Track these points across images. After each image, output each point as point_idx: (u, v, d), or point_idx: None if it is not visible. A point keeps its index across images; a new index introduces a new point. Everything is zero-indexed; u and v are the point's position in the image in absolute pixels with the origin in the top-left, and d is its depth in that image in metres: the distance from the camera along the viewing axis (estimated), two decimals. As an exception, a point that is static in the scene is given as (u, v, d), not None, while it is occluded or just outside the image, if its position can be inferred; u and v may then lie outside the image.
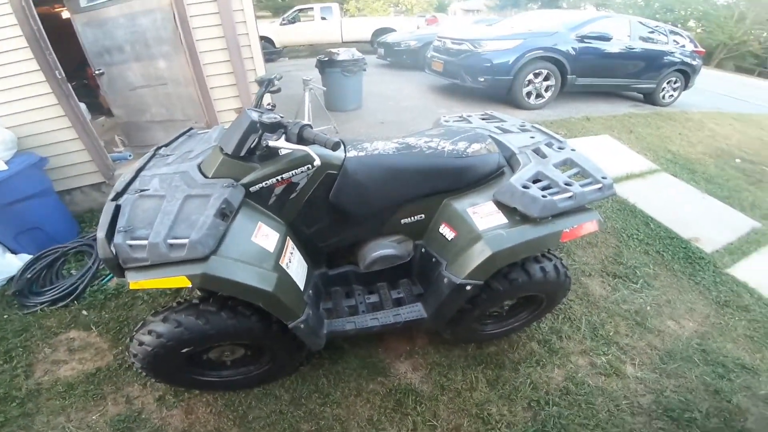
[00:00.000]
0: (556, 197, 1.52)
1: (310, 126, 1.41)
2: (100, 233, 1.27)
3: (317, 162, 1.42)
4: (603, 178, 1.65)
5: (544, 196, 1.50)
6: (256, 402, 1.85)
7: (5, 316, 2.30)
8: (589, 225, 1.60)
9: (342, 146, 1.67)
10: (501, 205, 1.62)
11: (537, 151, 1.82)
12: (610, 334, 2.31)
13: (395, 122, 5.22)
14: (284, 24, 11.50)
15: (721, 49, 19.20)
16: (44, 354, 2.09)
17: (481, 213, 1.62)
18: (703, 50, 7.25)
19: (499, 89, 5.63)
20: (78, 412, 1.82)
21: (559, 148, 1.87)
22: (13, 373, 1.98)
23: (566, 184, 1.58)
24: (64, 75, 2.92)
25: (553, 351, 2.17)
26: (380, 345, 2.14)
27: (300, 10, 11.86)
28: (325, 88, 5.02)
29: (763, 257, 3.15)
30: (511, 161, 1.82)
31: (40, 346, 2.13)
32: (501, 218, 1.59)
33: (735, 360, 2.22)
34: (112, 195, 1.41)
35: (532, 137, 1.98)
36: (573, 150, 1.86)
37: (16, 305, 2.37)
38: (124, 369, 1.99)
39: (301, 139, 1.40)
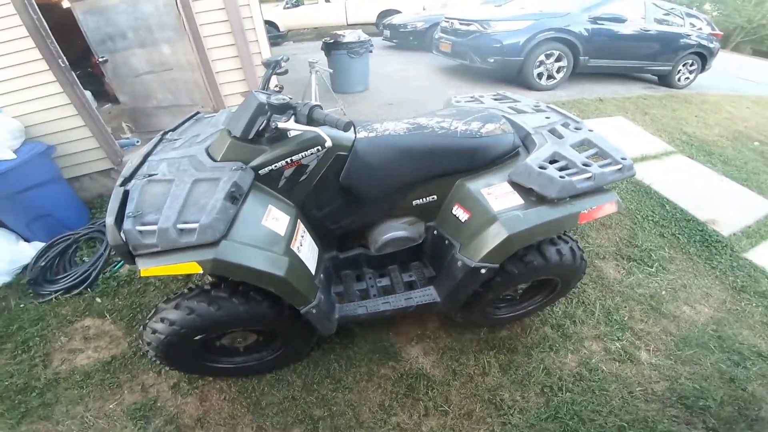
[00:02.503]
0: (574, 178, 1.47)
1: (320, 107, 1.37)
2: (109, 219, 1.26)
3: (328, 143, 1.38)
4: (623, 158, 1.59)
5: (561, 177, 1.45)
6: (269, 388, 1.86)
7: (21, 305, 2.33)
8: (608, 206, 1.56)
9: (352, 127, 1.63)
10: (517, 186, 1.57)
11: (553, 132, 1.77)
12: (625, 318, 2.27)
13: (403, 103, 5.15)
14: (288, 7, 11.28)
15: (739, 32, 18.61)
16: (61, 343, 2.11)
17: (496, 194, 1.58)
18: (721, 33, 7.02)
19: (509, 70, 5.54)
20: (96, 401, 1.84)
21: (576, 129, 1.81)
22: (31, 362, 2.01)
23: (584, 165, 1.52)
24: (67, 63, 2.89)
25: (566, 336, 2.14)
26: (391, 329, 2.13)
27: (304, -6, 11.63)
28: (331, 71, 4.95)
29: (782, 241, 3.05)
30: (526, 142, 1.77)
31: (57, 334, 2.15)
32: (517, 199, 1.54)
33: (751, 347, 2.18)
34: (120, 180, 1.39)
35: (548, 117, 1.92)
36: (590, 131, 1.79)
37: (31, 294, 2.39)
38: (138, 357, 2.00)
39: (311, 120, 1.36)
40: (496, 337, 2.11)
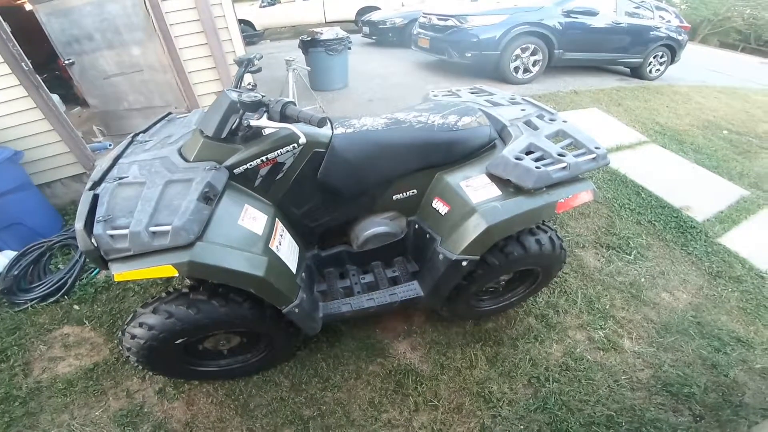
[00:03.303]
0: (550, 168, 1.49)
1: (293, 103, 1.35)
2: (78, 224, 1.21)
3: (302, 140, 1.36)
4: (596, 148, 1.62)
5: (537, 167, 1.47)
6: (257, 390, 1.84)
7: (-5, 315, 2.24)
8: (584, 195, 1.58)
9: (329, 123, 1.61)
10: (494, 178, 1.59)
11: (528, 123, 1.79)
12: (607, 307, 2.31)
13: (383, 99, 5.15)
14: (264, 6, 11.13)
15: (706, 24, 19.15)
16: (40, 351, 2.06)
17: (475, 186, 1.59)
18: (689, 25, 7.23)
19: (487, 64, 5.58)
20: (81, 408, 1.80)
21: (551, 120, 1.83)
22: (11, 372, 1.95)
23: (559, 155, 1.55)
24: (31, 66, 2.79)
25: (550, 326, 2.17)
26: (377, 325, 2.13)
27: (280, -8, 11.47)
28: (309, 68, 4.90)
29: (753, 225, 3.17)
30: (502, 134, 1.78)
31: (35, 343, 2.09)
32: (495, 190, 1.56)
33: (730, 333, 2.23)
34: (89, 184, 1.34)
35: (523, 110, 1.94)
36: (565, 121, 1.82)
37: (6, 303, 2.31)
38: (121, 363, 1.96)
39: (285, 117, 1.33)
40: (482, 329, 2.13)
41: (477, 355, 2.00)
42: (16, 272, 2.41)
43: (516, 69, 5.62)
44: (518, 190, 1.52)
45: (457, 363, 1.97)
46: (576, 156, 1.57)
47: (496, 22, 5.38)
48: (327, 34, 5.13)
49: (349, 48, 5.40)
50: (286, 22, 11.61)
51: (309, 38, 5.18)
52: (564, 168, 1.51)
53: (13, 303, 2.29)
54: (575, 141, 1.69)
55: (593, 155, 1.59)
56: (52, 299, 2.31)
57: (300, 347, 1.93)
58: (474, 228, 1.49)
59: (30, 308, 2.26)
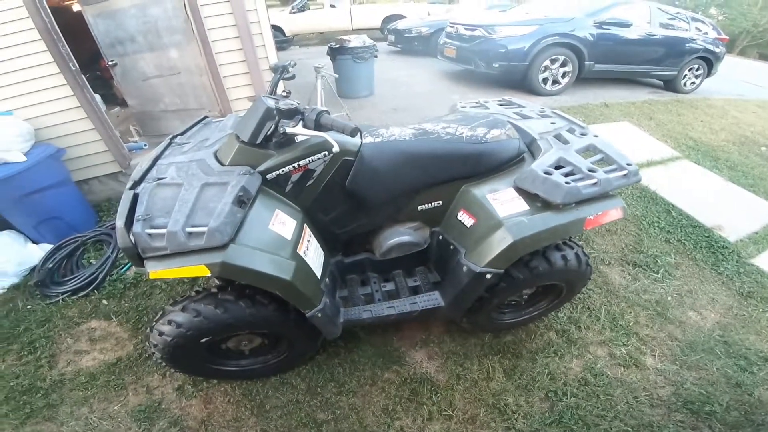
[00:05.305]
0: (579, 183, 1.47)
1: (327, 112, 1.38)
2: (119, 222, 1.27)
3: (336, 148, 1.39)
4: (628, 164, 1.59)
5: (567, 183, 1.46)
6: (273, 391, 1.87)
7: (28, 307, 2.35)
8: (613, 212, 1.56)
9: (359, 132, 1.64)
10: (522, 192, 1.58)
11: (558, 137, 1.77)
12: (630, 324, 2.26)
13: (408, 108, 5.17)
14: (294, 12, 11.37)
15: (744, 36, 18.51)
16: (67, 344, 2.13)
17: (502, 199, 1.59)
18: (727, 37, 7.00)
19: (515, 75, 5.54)
20: (100, 402, 1.85)
21: (582, 134, 1.81)
22: (37, 363, 2.02)
23: (590, 171, 1.53)
24: (77, 66, 2.92)
25: (571, 341, 2.14)
26: (395, 333, 2.13)
27: (309, -1, 11.71)
28: (337, 75, 4.98)
29: (790, 247, 3.02)
30: (531, 147, 1.77)
31: (63, 336, 2.16)
32: (522, 205, 1.55)
33: (758, 353, 2.16)
34: (129, 184, 1.40)
35: (553, 123, 1.92)
36: (596, 136, 1.80)
37: (39, 295, 2.41)
38: (143, 359, 2.02)
39: (319, 126, 1.37)
40: (501, 342, 2.11)
41: (494, 367, 1.98)
42: (50, 265, 2.53)
43: (545, 80, 5.55)
44: (546, 205, 1.51)
45: (473, 374, 1.96)
46: (607, 172, 1.55)
47: (525, 33, 5.33)
48: (354, 41, 5.21)
49: (376, 56, 5.47)
50: (315, 29, 11.84)
51: (337, 45, 5.27)
52: (594, 184, 1.49)
53: (46, 295, 2.39)
54: (606, 156, 1.67)
55: (624, 171, 1.56)
56: (82, 293, 2.39)
57: (319, 351, 1.95)
58: (499, 242, 1.49)
59: (61, 301, 2.35)
